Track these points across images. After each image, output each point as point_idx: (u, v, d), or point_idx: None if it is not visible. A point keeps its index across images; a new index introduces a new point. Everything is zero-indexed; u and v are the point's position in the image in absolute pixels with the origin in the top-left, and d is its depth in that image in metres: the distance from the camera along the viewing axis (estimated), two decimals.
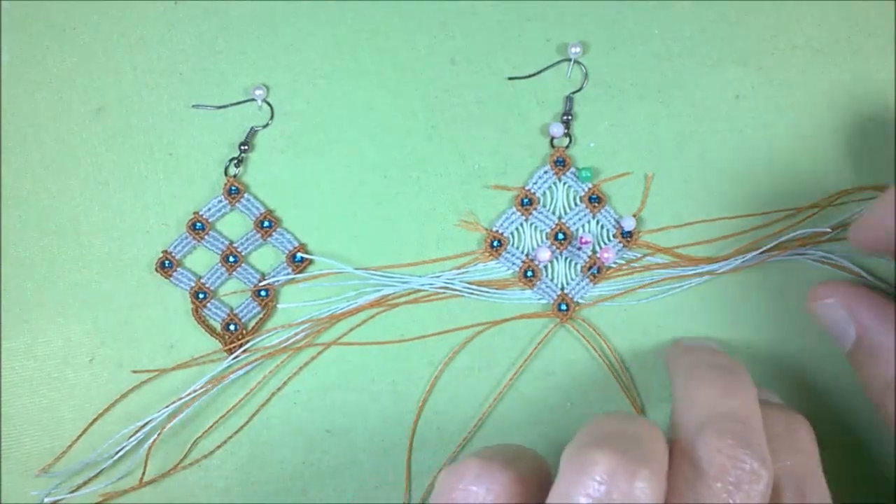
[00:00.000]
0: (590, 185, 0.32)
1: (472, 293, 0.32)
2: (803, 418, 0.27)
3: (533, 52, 0.33)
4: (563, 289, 0.32)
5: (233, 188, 0.33)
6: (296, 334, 0.32)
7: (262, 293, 0.32)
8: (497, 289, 0.32)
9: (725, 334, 0.32)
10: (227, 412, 0.32)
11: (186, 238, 0.33)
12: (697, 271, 0.32)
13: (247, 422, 0.32)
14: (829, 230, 0.31)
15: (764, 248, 0.31)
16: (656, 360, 0.32)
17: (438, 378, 0.32)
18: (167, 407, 0.32)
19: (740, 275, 0.32)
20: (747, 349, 0.32)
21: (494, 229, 0.32)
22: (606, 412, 0.26)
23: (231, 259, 0.33)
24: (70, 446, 0.32)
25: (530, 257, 0.32)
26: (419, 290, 0.32)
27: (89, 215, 0.33)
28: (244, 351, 0.32)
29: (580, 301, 0.32)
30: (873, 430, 0.31)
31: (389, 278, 0.32)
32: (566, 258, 0.32)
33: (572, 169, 0.32)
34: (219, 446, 0.32)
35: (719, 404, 0.24)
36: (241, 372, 0.32)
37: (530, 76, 0.33)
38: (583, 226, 0.32)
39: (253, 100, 0.33)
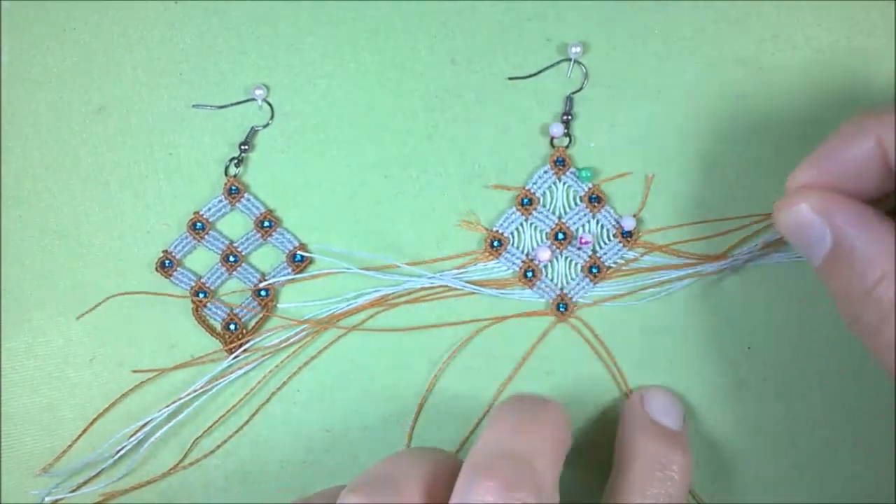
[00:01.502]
0: (590, 185, 0.32)
1: (472, 291, 0.32)
2: None
3: (533, 52, 0.33)
4: (562, 289, 0.32)
5: (233, 188, 0.33)
6: (296, 334, 0.32)
7: (262, 293, 0.32)
8: (497, 289, 0.32)
9: (725, 335, 0.32)
10: (227, 412, 0.32)
11: (187, 238, 0.33)
12: (694, 271, 0.32)
13: (247, 422, 0.32)
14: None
15: (759, 243, 0.31)
16: (655, 360, 0.32)
17: (438, 378, 0.32)
18: (167, 407, 0.32)
19: (740, 276, 0.32)
20: (747, 350, 0.32)
21: (494, 229, 0.32)
22: (410, 448, 0.29)
23: (231, 259, 0.33)
24: (70, 446, 0.32)
25: (530, 257, 0.32)
26: (419, 290, 0.32)
27: (90, 215, 0.33)
28: (244, 351, 0.32)
29: (580, 301, 0.32)
30: (874, 429, 0.31)
31: (389, 278, 0.32)
32: (566, 258, 0.32)
33: (572, 169, 0.32)
34: (219, 446, 0.32)
35: (502, 444, 0.25)
36: (240, 372, 0.32)
37: (530, 76, 0.33)
38: (583, 226, 0.32)
39: (253, 100, 0.33)
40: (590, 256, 0.32)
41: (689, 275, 0.32)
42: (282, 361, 0.32)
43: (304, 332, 0.32)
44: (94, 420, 0.32)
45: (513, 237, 0.32)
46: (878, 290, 0.23)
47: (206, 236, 0.33)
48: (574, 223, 0.32)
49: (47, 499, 0.32)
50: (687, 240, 0.32)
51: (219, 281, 0.33)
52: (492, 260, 0.32)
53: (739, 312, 0.32)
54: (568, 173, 0.32)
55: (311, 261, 0.33)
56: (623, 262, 0.32)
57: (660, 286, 0.32)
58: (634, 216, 0.32)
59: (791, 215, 0.25)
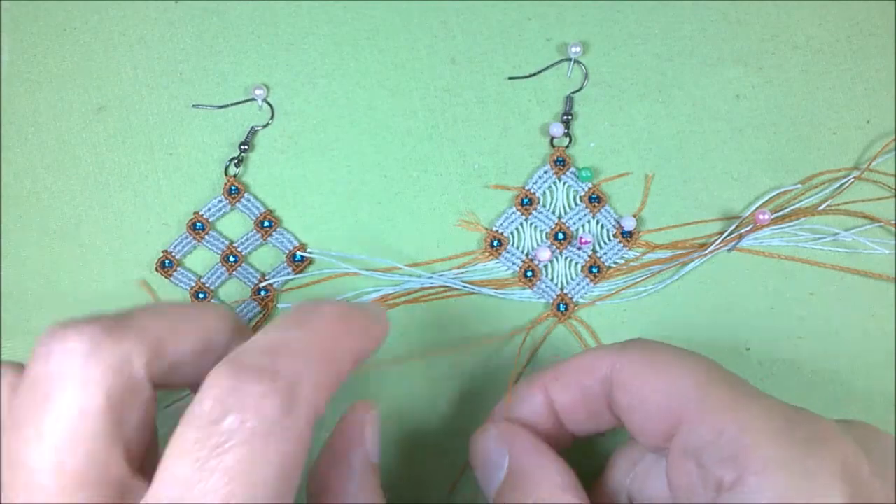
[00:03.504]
0: (590, 185, 0.32)
1: (472, 291, 0.32)
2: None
3: (533, 52, 0.33)
4: (562, 289, 0.32)
5: (233, 188, 0.33)
6: None
7: (263, 293, 0.32)
8: (497, 289, 0.32)
9: (724, 335, 0.32)
10: None
11: (187, 238, 0.33)
12: (691, 257, 0.32)
13: None
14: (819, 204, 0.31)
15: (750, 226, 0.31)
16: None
17: (437, 377, 0.32)
18: (168, 407, 0.32)
19: (739, 277, 0.32)
20: (746, 350, 0.32)
21: (494, 229, 0.32)
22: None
23: (231, 259, 0.33)
24: None
25: (530, 257, 0.32)
26: (419, 290, 0.32)
27: (90, 215, 0.33)
28: None
29: (580, 301, 0.32)
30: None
31: (389, 278, 0.32)
32: (566, 258, 0.32)
33: (572, 169, 0.32)
34: None
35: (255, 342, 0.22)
36: None
37: (530, 76, 0.33)
38: (583, 225, 0.32)
39: (253, 99, 0.33)
40: (590, 256, 0.32)
41: (684, 261, 0.32)
42: None
43: None
44: None
45: (513, 237, 0.32)
46: None
47: (206, 236, 0.33)
48: (574, 223, 0.32)
49: None
50: (687, 239, 0.32)
51: (219, 281, 0.33)
52: (492, 260, 0.32)
53: (739, 312, 0.32)
54: (568, 173, 0.32)
55: (310, 261, 0.33)
56: (623, 262, 0.32)
57: (658, 278, 0.32)
58: (634, 216, 0.32)
59: (479, 441, 0.28)
